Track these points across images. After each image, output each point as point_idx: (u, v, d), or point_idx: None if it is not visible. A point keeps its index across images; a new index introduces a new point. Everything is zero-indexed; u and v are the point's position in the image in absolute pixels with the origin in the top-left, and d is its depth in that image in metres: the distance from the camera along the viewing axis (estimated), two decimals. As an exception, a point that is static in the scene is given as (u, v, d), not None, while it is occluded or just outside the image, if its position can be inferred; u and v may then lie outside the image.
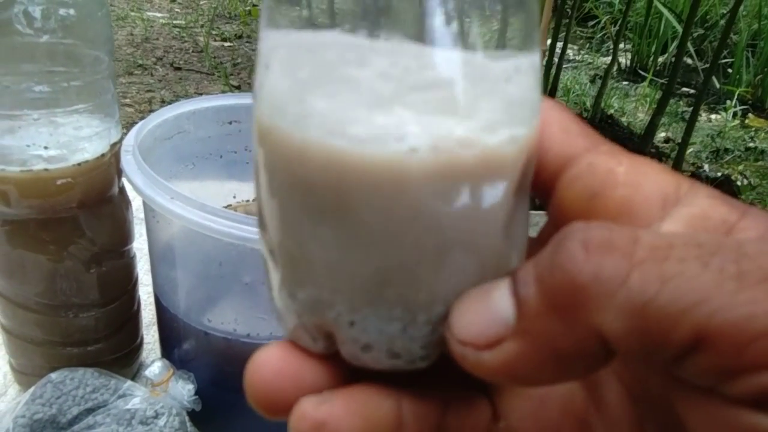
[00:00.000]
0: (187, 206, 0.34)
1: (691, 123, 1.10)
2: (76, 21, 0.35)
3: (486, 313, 0.12)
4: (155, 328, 0.49)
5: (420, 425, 0.14)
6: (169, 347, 0.44)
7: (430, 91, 0.13)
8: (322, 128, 0.13)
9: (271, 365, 0.14)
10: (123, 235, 0.42)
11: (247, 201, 0.53)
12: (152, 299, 0.46)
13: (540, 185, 0.15)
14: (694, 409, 0.12)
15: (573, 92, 1.81)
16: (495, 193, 0.13)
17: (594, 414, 0.15)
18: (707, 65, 2.00)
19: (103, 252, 0.41)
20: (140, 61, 1.44)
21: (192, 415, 0.40)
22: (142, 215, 0.46)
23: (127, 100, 1.23)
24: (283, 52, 0.14)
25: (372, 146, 0.12)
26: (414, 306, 0.13)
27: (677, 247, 0.11)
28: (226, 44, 1.63)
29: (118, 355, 0.45)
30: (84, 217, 0.39)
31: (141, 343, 0.48)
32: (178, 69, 1.44)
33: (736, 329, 0.10)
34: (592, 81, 1.96)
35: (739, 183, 1.30)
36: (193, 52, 1.55)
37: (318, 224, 0.13)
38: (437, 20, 0.13)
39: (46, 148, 0.36)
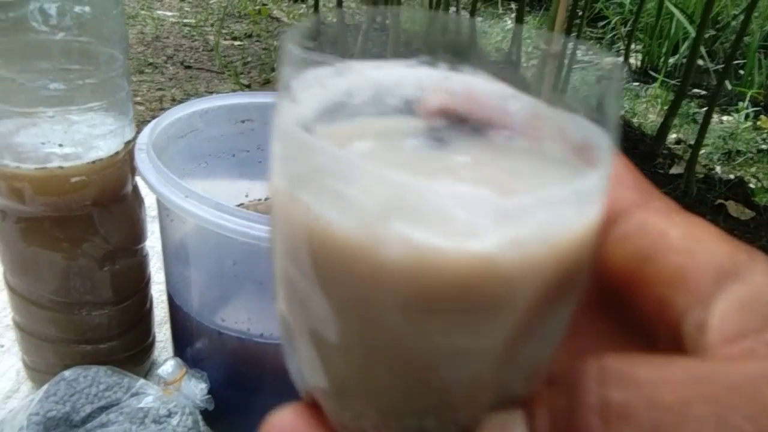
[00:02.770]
0: (201, 205, 0.34)
1: (704, 125, 1.09)
2: (91, 18, 0.35)
3: None
4: (167, 326, 0.49)
5: None
6: (181, 346, 0.44)
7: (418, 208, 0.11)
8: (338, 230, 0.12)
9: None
10: (136, 233, 0.42)
11: (260, 200, 0.53)
12: (164, 297, 0.46)
13: None
14: None
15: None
16: (476, 323, 0.12)
17: None
18: (719, 66, 1.99)
19: (117, 250, 0.41)
20: (151, 60, 1.44)
21: (204, 414, 0.40)
22: (153, 213, 0.46)
23: (138, 99, 1.24)
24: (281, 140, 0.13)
25: (351, 248, 0.12)
26: (403, 415, 0.13)
27: (695, 404, 0.11)
28: (236, 43, 1.64)
29: (131, 353, 0.45)
30: (98, 215, 0.39)
31: (153, 342, 0.48)
32: (189, 68, 1.44)
33: None
34: (603, 82, 1.95)
35: (752, 186, 1.28)
36: (203, 50, 1.55)
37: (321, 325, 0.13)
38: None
39: (60, 145, 0.36)
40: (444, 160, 0.14)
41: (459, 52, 0.14)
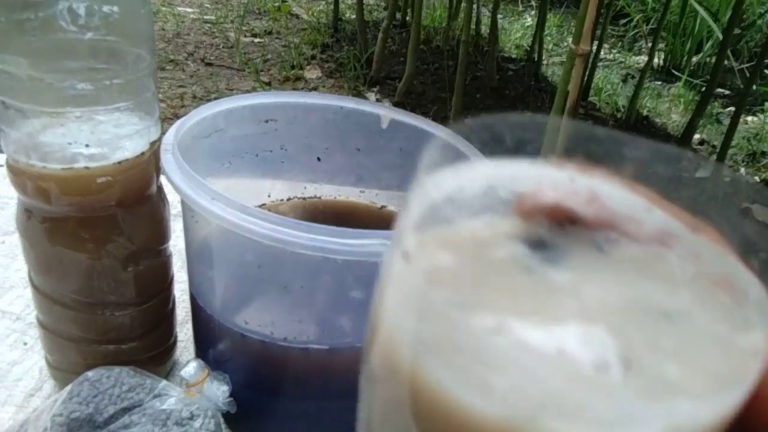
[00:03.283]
0: (227, 207, 0.34)
1: (732, 126, 1.07)
2: (120, 18, 0.35)
3: None
4: (188, 326, 0.49)
5: None
6: (203, 347, 0.44)
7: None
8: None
9: None
10: (160, 233, 0.42)
11: (282, 200, 0.53)
12: (186, 297, 0.46)
13: None
14: None
15: (605, 92, 1.78)
16: None
17: None
18: (743, 66, 1.95)
19: (141, 251, 0.41)
20: (172, 57, 1.45)
21: (226, 416, 0.40)
22: (175, 211, 0.45)
23: (160, 96, 1.24)
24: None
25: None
26: None
27: None
28: (256, 40, 1.64)
29: (153, 353, 0.44)
30: (122, 216, 0.39)
31: (175, 342, 0.48)
32: (209, 65, 1.44)
33: None
34: (624, 80, 1.93)
35: (779, 188, 1.26)
36: (223, 47, 1.55)
37: None
38: None
39: (87, 146, 0.36)
40: (564, 294, 0.12)
41: (597, 160, 0.13)
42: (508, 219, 0.14)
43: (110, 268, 0.40)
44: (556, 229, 0.14)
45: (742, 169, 1.38)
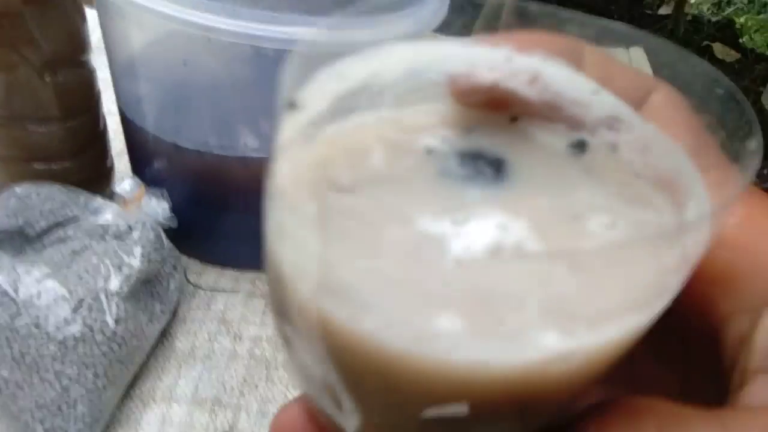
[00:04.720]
0: (142, -7, 0.30)
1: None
2: None
3: None
4: (127, 157, 0.47)
5: None
6: (140, 166, 0.42)
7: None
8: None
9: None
10: (76, 41, 0.38)
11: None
12: (122, 128, 0.43)
13: None
14: None
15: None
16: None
17: None
18: None
19: (57, 59, 0.37)
20: None
21: (169, 233, 0.39)
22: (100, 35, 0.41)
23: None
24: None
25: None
26: None
27: None
28: None
29: (87, 176, 0.42)
30: (30, 16, 0.35)
31: (112, 167, 0.45)
32: None
33: None
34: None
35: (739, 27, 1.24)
36: None
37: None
38: None
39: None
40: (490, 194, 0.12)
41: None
42: (440, 104, 0.13)
43: (25, 77, 0.36)
44: (485, 121, 0.13)
45: (706, 7, 1.34)
